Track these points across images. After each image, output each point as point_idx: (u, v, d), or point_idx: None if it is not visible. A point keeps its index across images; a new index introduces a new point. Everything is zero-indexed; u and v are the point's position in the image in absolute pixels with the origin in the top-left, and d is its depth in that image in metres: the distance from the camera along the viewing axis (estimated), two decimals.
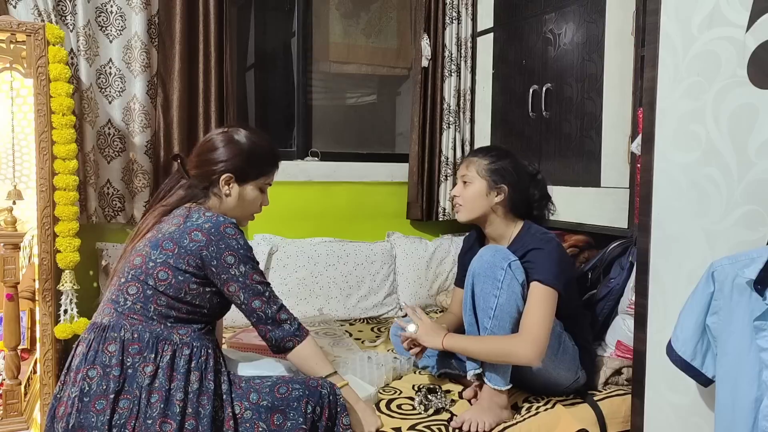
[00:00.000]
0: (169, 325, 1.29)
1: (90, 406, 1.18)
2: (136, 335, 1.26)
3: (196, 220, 1.34)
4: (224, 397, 1.29)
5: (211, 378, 1.28)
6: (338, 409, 1.37)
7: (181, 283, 1.30)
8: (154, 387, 1.22)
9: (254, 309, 1.35)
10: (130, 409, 1.19)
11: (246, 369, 1.48)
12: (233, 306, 1.41)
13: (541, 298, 1.54)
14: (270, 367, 1.50)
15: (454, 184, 2.52)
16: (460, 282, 1.89)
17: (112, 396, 1.19)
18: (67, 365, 1.29)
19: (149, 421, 1.19)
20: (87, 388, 1.20)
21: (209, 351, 1.31)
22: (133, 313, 1.28)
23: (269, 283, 1.39)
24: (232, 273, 1.32)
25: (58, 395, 1.25)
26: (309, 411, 1.31)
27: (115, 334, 1.25)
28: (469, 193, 1.69)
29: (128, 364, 1.23)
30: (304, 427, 1.30)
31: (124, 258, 1.38)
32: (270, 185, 1.52)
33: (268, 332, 1.37)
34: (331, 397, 1.36)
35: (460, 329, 1.70)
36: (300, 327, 1.41)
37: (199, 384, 1.26)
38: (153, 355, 1.24)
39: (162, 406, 1.20)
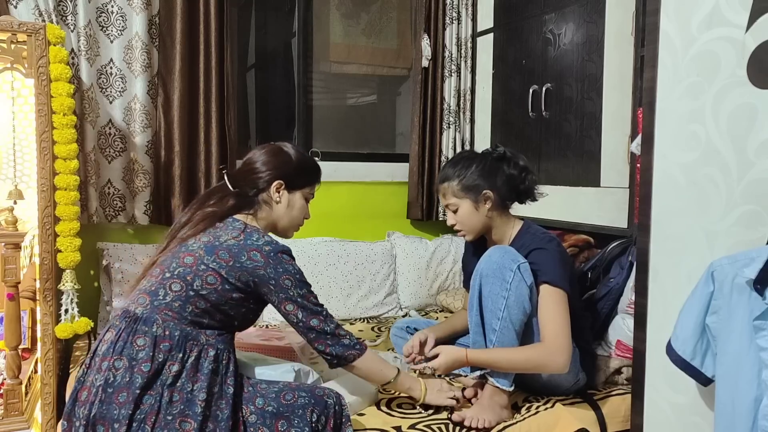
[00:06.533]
0: (199, 328, 1.31)
1: (113, 397, 1.19)
2: (167, 332, 1.27)
3: (256, 240, 1.38)
4: (239, 400, 1.31)
5: (230, 382, 1.30)
6: (343, 420, 1.37)
7: (225, 292, 1.33)
8: (176, 387, 1.23)
9: (313, 327, 1.39)
10: (152, 405, 1.20)
11: (264, 372, 1.49)
12: None
13: (555, 301, 1.54)
14: (282, 369, 1.50)
15: None
16: (466, 284, 1.91)
17: (138, 391, 1.20)
18: (93, 349, 1.30)
19: (169, 418, 1.20)
20: (112, 379, 1.21)
21: (230, 355, 1.34)
22: (169, 309, 1.30)
23: (323, 305, 1.44)
24: (291, 294, 1.37)
25: (81, 378, 1.27)
26: (314, 420, 1.31)
27: (146, 329, 1.26)
28: (461, 217, 1.69)
29: (159, 360, 1.24)
30: None
31: (169, 251, 1.40)
32: (312, 197, 1.59)
33: (328, 347, 1.41)
34: (336, 407, 1.36)
35: None
36: (359, 341, 1.47)
37: (219, 387, 1.27)
38: (181, 355, 1.26)
39: (182, 406, 1.21)
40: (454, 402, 1.56)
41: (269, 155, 1.51)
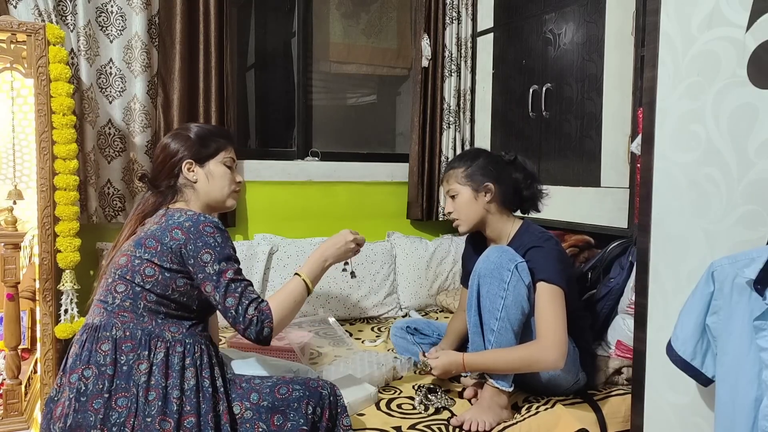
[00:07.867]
0: (159, 321, 1.29)
1: (87, 405, 1.18)
2: (128, 333, 1.26)
3: (177, 218, 1.35)
4: (220, 391, 1.29)
5: (206, 375, 1.28)
6: (338, 410, 1.37)
7: (167, 280, 1.30)
8: (151, 384, 1.22)
9: (228, 307, 1.30)
10: (129, 407, 1.19)
11: (241, 367, 1.48)
12: None
13: (551, 298, 1.54)
14: (266, 366, 1.50)
15: None
16: (465, 281, 1.91)
17: (106, 395, 1.19)
18: (62, 367, 1.29)
19: (148, 419, 1.19)
20: (83, 388, 1.20)
21: (202, 347, 1.31)
22: (123, 310, 1.28)
23: (244, 280, 1.34)
24: (208, 271, 1.30)
25: (55, 397, 1.25)
26: (309, 412, 1.31)
27: (107, 333, 1.25)
28: (459, 204, 1.71)
29: (122, 362, 1.23)
30: (305, 428, 1.30)
31: (109, 260, 1.39)
32: (235, 161, 1.53)
33: (244, 332, 1.32)
34: (331, 398, 1.36)
35: None
36: (263, 313, 1.32)
37: (196, 381, 1.26)
38: (146, 353, 1.24)
39: (160, 404, 1.20)
40: (352, 251, 1.60)
41: (171, 142, 1.48)
